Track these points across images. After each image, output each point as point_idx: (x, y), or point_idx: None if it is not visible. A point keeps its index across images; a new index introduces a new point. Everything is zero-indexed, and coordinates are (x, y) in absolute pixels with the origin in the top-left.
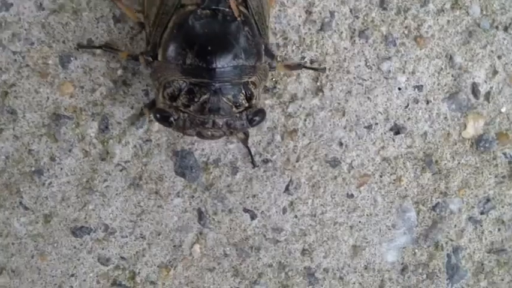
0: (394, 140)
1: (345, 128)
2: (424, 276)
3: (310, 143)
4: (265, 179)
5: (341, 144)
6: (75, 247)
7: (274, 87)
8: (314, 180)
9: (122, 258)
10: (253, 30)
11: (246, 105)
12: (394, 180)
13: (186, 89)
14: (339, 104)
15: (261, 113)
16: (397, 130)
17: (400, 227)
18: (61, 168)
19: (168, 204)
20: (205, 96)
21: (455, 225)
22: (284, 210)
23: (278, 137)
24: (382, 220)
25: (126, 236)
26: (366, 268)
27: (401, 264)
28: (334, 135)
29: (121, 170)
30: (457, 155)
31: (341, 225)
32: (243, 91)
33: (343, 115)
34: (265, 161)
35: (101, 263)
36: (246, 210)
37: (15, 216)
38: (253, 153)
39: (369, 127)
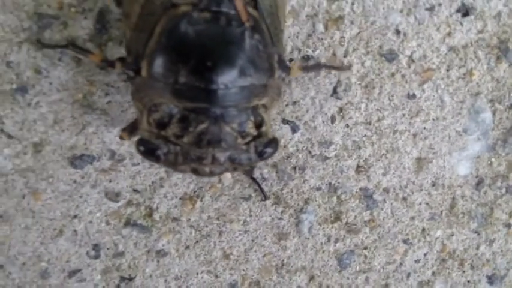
0: (462, 24)
1: (401, 11)
2: (503, 190)
3: (360, 32)
4: (307, 81)
5: (398, 32)
6: (75, 181)
7: None
8: (367, 79)
9: (135, 191)
10: (265, 38)
11: (255, 133)
12: (464, 74)
13: (179, 115)
14: None
15: (273, 143)
16: (465, 11)
17: (473, 131)
18: (50, 83)
19: None
20: (204, 126)
21: None
22: (332, 119)
23: (320, 27)
24: (451, 124)
25: (138, 163)
26: (433, 185)
27: (476, 177)
28: (389, 22)
29: (125, 81)
30: None
31: (402, 134)
32: (252, 117)
33: None
34: (306, 58)
35: (110, 199)
36: (285, 122)
37: None
38: (289, 50)
39: (431, 9)
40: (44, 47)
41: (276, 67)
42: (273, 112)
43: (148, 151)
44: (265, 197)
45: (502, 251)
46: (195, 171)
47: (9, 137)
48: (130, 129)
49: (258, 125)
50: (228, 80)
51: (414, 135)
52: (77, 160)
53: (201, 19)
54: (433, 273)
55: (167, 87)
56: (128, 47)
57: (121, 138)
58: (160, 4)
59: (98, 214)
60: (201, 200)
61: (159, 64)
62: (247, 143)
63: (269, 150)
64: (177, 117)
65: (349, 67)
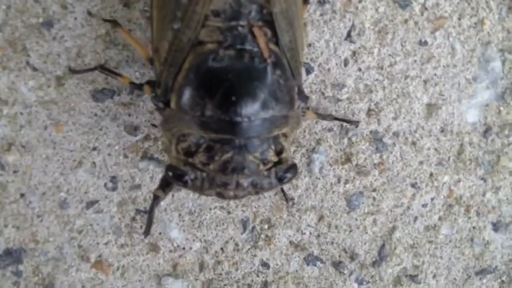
0: None
1: None
2: (511, 138)
3: None
4: (322, 24)
5: None
6: (96, 114)
7: None
8: (381, 24)
9: (153, 126)
10: (286, 72)
11: (275, 160)
12: (475, 23)
13: (205, 145)
14: None
15: (293, 168)
16: None
17: (482, 80)
18: (75, 18)
19: None
20: (228, 155)
21: None
22: (345, 62)
23: None
24: (462, 72)
25: None
26: (442, 131)
27: (484, 125)
28: None
29: (148, 18)
30: None
31: (413, 80)
32: (273, 146)
33: None
34: (322, 2)
35: (128, 133)
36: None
37: (22, 80)
38: None
39: None
40: (74, 73)
41: (296, 98)
42: (292, 139)
43: (177, 176)
44: (287, 201)
45: (507, 198)
46: (220, 195)
47: (34, 69)
48: (163, 186)
49: (279, 152)
50: (251, 113)
51: (425, 82)
52: (98, 94)
53: (226, 56)
54: (440, 218)
55: (194, 120)
56: (158, 79)
57: (155, 197)
58: (187, 41)
59: (116, 147)
60: None
61: (186, 98)
62: (269, 169)
63: (289, 175)
64: (204, 147)
65: (357, 122)
